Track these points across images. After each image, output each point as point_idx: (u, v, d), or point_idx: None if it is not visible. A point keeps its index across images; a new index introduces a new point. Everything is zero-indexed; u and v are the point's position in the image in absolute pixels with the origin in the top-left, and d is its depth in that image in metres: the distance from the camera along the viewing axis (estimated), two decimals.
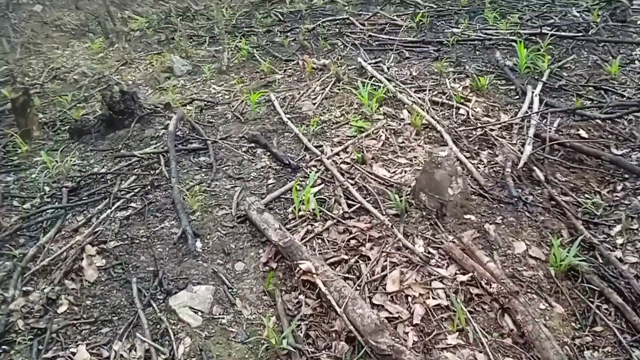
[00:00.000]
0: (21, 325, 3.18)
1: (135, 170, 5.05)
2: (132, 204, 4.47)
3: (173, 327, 3.24)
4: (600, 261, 3.77)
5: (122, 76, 8.80)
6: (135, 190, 4.65)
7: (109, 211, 4.31)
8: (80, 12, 13.67)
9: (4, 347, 3.09)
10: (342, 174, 4.73)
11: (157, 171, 4.97)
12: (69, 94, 7.70)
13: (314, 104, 6.17)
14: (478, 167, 4.67)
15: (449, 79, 6.22)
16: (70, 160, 5.21)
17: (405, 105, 5.73)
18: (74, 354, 3.03)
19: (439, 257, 3.79)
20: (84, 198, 4.61)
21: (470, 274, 3.58)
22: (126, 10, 14.28)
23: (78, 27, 13.36)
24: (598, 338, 3.31)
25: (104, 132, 5.92)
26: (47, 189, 4.80)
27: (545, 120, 5.21)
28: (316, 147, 5.21)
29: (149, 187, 4.67)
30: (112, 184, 4.80)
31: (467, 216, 4.14)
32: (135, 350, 3.05)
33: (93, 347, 3.09)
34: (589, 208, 4.20)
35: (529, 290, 3.54)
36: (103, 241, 3.96)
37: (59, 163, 5.06)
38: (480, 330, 3.25)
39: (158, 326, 3.26)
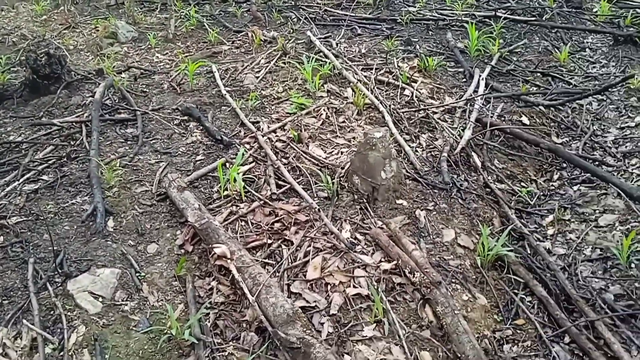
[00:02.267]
0: None
1: (54, 140, 4.68)
2: (44, 177, 4.13)
3: (68, 313, 2.97)
4: (529, 252, 3.68)
5: (64, 40, 8.26)
6: (50, 162, 4.30)
7: (16, 183, 3.97)
8: None
9: None
10: (276, 153, 4.50)
11: (78, 142, 4.62)
12: (3, 57, 7.17)
13: (257, 77, 5.88)
14: (416, 151, 4.51)
15: (397, 59, 6.01)
16: None
17: (350, 83, 5.51)
18: None
19: (365, 244, 3.62)
20: None
21: (395, 262, 3.43)
22: None
23: None
24: (519, 332, 3.22)
25: (27, 98, 5.49)
26: None
27: (488, 105, 5.08)
28: (253, 123, 4.95)
29: (65, 159, 4.33)
30: (26, 154, 4.43)
31: (399, 201, 3.98)
32: (21, 339, 2.78)
33: None
34: (523, 197, 4.11)
35: (453, 280, 3.41)
36: (4, 216, 3.63)
37: None
38: (399, 322, 3.10)
39: (51, 312, 2.98)
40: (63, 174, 4.15)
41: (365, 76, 5.62)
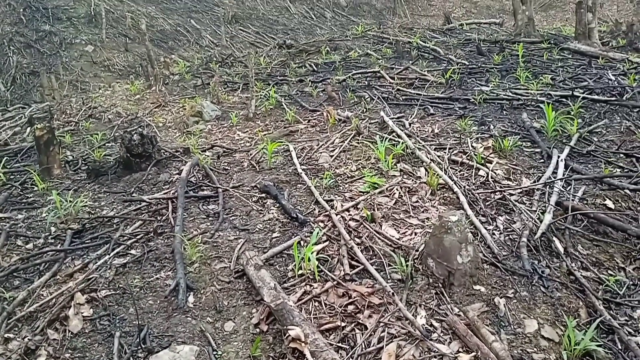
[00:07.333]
0: None
1: (143, 215, 5.00)
2: (132, 251, 4.39)
3: None
4: (620, 347, 3.42)
5: (154, 118, 8.98)
6: (138, 237, 4.58)
7: (107, 257, 4.24)
8: (129, 54, 14.29)
9: None
10: (349, 232, 4.55)
11: (164, 217, 4.91)
12: (99, 133, 7.87)
13: (332, 156, 6.07)
14: (493, 234, 4.41)
15: (471, 139, 6.03)
16: (82, 202, 5.21)
17: (423, 163, 5.56)
18: None
19: (442, 331, 3.52)
20: (87, 241, 4.56)
21: (474, 354, 3.29)
22: (173, 55, 14.85)
23: (125, 68, 13.97)
24: None
25: (120, 174, 5.95)
26: (53, 229, 4.80)
27: (569, 188, 4.94)
28: (327, 201, 5.06)
29: (152, 234, 4.59)
30: (117, 228, 4.76)
31: (477, 287, 3.87)
32: None
33: None
34: (611, 286, 3.88)
35: None
36: (94, 289, 3.87)
37: (69, 203, 5.07)
38: None
39: None
40: (150, 248, 4.40)
41: (438, 156, 5.66)
